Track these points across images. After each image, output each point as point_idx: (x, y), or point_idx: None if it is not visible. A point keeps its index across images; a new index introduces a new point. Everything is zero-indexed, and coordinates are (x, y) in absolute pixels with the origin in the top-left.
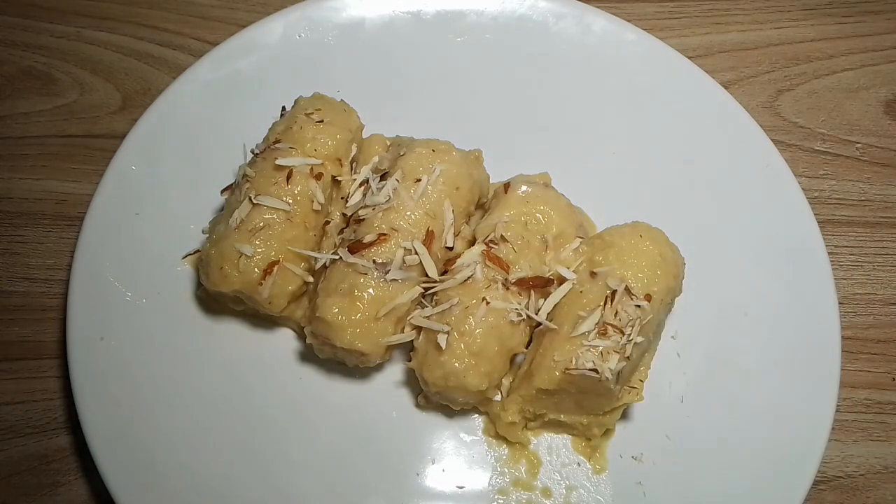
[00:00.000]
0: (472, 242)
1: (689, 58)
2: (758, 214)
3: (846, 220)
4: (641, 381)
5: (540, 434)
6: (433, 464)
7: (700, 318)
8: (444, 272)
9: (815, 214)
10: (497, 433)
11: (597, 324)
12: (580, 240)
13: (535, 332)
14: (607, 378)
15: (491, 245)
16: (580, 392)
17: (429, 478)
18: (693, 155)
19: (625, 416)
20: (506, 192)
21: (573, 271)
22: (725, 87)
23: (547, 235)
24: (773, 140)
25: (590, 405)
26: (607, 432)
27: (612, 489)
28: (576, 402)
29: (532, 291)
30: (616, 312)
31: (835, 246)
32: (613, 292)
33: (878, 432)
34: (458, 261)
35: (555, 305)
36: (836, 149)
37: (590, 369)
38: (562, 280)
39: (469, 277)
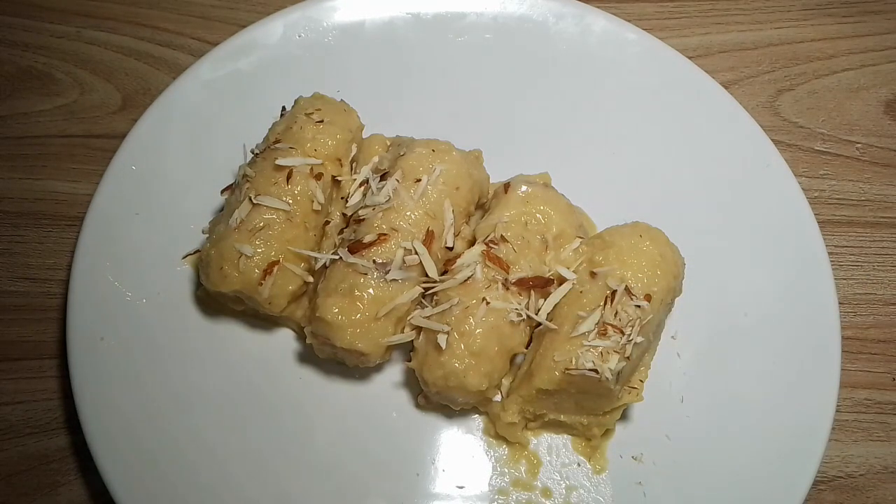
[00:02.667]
0: (473, 242)
1: (689, 58)
2: (758, 214)
3: (846, 220)
4: (641, 381)
5: (540, 434)
6: (433, 464)
7: (700, 318)
8: (444, 272)
9: (815, 214)
10: (497, 433)
11: (597, 324)
12: (580, 240)
13: (535, 332)
14: (607, 378)
15: (491, 245)
16: (580, 392)
17: (429, 478)
18: (693, 155)
19: (625, 416)
20: (506, 192)
21: (573, 271)
22: (725, 87)
23: (547, 235)
24: (773, 140)
25: (590, 405)
26: (607, 432)
27: (612, 489)
28: (576, 403)
29: (532, 291)
30: (616, 312)
31: (835, 246)
32: (613, 292)
33: (878, 432)
34: (459, 261)
35: (555, 306)
36: (836, 149)
37: (590, 369)
38: (562, 280)
39: (469, 277)
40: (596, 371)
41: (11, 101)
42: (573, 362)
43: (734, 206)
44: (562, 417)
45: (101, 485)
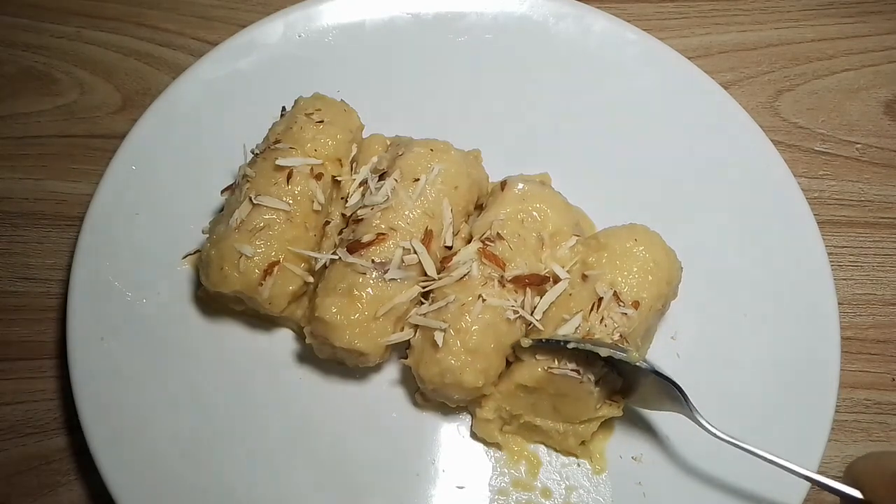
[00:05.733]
0: (471, 241)
1: (689, 58)
2: (758, 215)
3: (846, 221)
4: (623, 396)
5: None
6: (433, 464)
7: (700, 318)
8: (441, 270)
9: (815, 214)
10: (472, 432)
11: (577, 328)
12: (576, 238)
13: (528, 329)
14: (588, 379)
15: (487, 242)
16: (559, 395)
17: (429, 478)
18: (692, 155)
19: (625, 416)
20: (502, 189)
21: (567, 271)
22: (725, 88)
23: (543, 233)
24: (773, 140)
25: (567, 410)
26: (584, 444)
27: (612, 489)
28: (553, 406)
29: (528, 289)
30: (602, 318)
31: (835, 246)
32: (600, 299)
33: (877, 433)
34: (455, 258)
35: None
36: (836, 149)
37: (572, 370)
38: (557, 278)
39: (465, 275)
40: (578, 372)
41: (11, 101)
42: (556, 362)
43: (734, 207)
44: (538, 421)
45: (102, 485)
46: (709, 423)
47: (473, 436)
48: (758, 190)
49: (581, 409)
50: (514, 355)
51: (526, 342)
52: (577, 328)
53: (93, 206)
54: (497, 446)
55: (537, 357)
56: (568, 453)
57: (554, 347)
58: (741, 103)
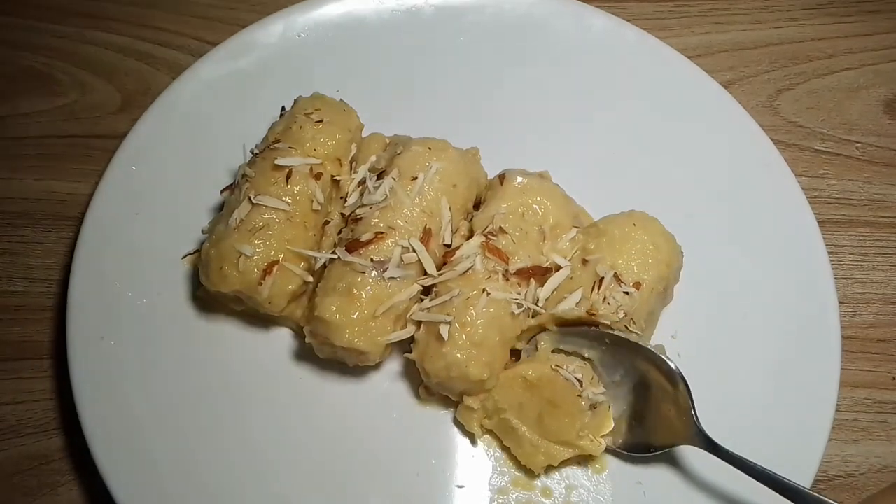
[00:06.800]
0: (470, 238)
1: (689, 58)
2: (758, 214)
3: (846, 220)
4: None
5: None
6: (433, 463)
7: (700, 318)
8: (443, 265)
9: (815, 214)
10: (456, 418)
11: (578, 303)
12: (576, 229)
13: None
14: (587, 397)
15: (490, 236)
16: (551, 403)
17: (429, 477)
18: (693, 155)
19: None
20: (501, 183)
21: (568, 260)
22: (725, 87)
23: (544, 226)
24: (773, 140)
25: (550, 423)
26: (550, 469)
27: (612, 489)
28: (539, 415)
29: (532, 280)
30: (604, 298)
31: (835, 246)
32: (601, 279)
33: (878, 432)
34: (458, 252)
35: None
36: (836, 148)
37: (577, 378)
38: (558, 269)
39: (469, 269)
40: (581, 383)
41: (11, 101)
42: (566, 366)
43: (734, 206)
44: (515, 422)
45: (102, 485)
46: (705, 435)
47: (455, 422)
48: (758, 189)
49: (565, 427)
50: (535, 345)
51: (553, 327)
52: (577, 303)
53: (93, 206)
54: (471, 437)
55: (551, 354)
56: (530, 473)
57: (581, 332)
58: (741, 102)
